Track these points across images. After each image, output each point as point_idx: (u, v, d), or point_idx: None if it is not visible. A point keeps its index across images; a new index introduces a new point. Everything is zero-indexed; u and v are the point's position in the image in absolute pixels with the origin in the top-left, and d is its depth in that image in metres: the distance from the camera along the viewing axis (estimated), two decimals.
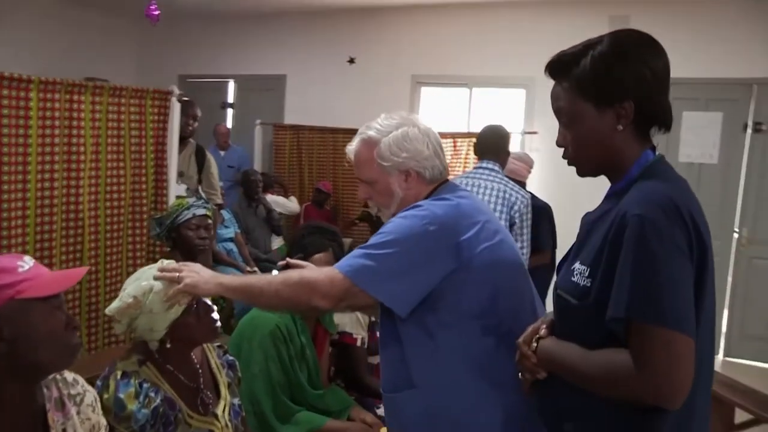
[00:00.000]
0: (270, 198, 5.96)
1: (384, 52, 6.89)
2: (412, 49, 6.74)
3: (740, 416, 3.52)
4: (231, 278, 1.68)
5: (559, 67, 1.36)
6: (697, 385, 1.18)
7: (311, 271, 1.62)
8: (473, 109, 6.59)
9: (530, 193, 4.20)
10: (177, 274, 1.67)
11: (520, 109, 6.35)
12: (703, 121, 5.57)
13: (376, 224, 4.29)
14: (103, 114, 3.32)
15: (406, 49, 6.78)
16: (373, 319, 2.68)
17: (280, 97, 7.46)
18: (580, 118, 1.32)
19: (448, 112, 6.66)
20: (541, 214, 4.10)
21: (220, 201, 4.39)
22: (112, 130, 3.38)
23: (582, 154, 1.36)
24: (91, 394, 1.54)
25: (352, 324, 2.63)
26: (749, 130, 5.44)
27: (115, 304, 1.66)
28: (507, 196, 3.24)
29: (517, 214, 3.27)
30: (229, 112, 7.80)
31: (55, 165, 3.09)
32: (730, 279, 5.52)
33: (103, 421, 1.54)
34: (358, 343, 2.62)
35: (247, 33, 7.55)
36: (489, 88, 6.53)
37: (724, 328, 5.48)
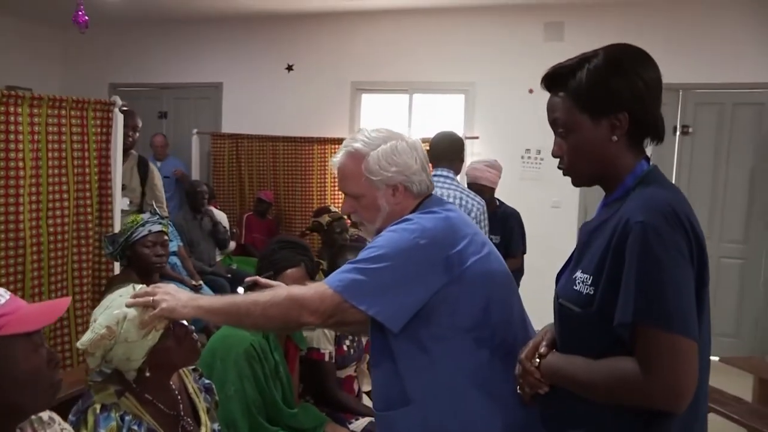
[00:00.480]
0: (215, 212, 5.81)
1: (323, 59, 6.84)
2: (352, 55, 6.73)
3: None
4: (210, 299, 1.61)
5: (555, 79, 1.39)
6: (700, 387, 1.21)
7: (299, 288, 1.57)
8: (414, 115, 6.63)
9: (498, 200, 4.28)
10: (150, 298, 1.59)
11: (459, 114, 6.43)
12: None
13: (327, 234, 4.24)
14: (42, 126, 3.15)
15: (345, 55, 6.76)
16: (338, 333, 2.65)
17: (216, 105, 7.29)
18: (576, 128, 1.36)
19: (388, 119, 6.67)
20: (512, 220, 4.16)
21: (166, 214, 4.24)
22: (53, 144, 3.21)
23: (577, 164, 1.39)
24: (61, 425, 1.44)
25: (319, 339, 2.58)
26: (678, 133, 5.70)
27: (87, 337, 1.55)
28: (464, 203, 3.27)
29: (474, 221, 3.29)
30: (164, 121, 7.55)
31: None
32: None
33: None
34: (326, 358, 2.57)
35: (181, 40, 7.34)
36: (429, 93, 6.59)
37: None
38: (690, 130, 5.68)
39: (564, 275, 1.40)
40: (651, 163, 1.38)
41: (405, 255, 1.51)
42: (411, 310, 1.52)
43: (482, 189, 3.95)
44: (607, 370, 1.24)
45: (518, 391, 1.45)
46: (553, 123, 1.40)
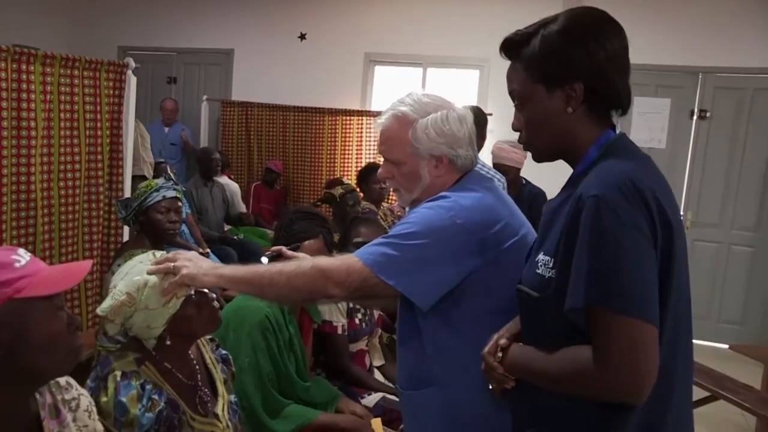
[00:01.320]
0: (225, 182, 5.76)
1: (337, 28, 6.72)
2: (366, 26, 6.61)
3: (697, 394, 3.65)
4: (233, 268, 1.56)
5: (511, 47, 1.31)
6: (671, 375, 1.14)
7: (325, 260, 1.53)
8: (427, 90, 6.51)
9: (524, 179, 4.24)
10: (171, 264, 1.54)
11: (473, 90, 6.34)
12: (652, 107, 5.72)
13: (339, 206, 4.19)
14: (54, 86, 3.09)
15: (359, 26, 6.64)
16: (351, 305, 2.61)
17: (227, 72, 7.18)
18: (531, 100, 1.28)
19: (401, 93, 6.56)
20: (539, 199, 4.12)
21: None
22: (65, 104, 3.16)
23: (535, 137, 1.32)
24: (86, 398, 1.41)
25: (332, 311, 2.54)
26: (695, 117, 5.62)
27: (107, 303, 1.51)
28: None
29: None
30: (173, 87, 7.46)
31: (3, 141, 2.85)
32: None
33: (100, 427, 1.41)
34: (339, 331, 2.54)
35: (193, 4, 7.20)
36: (443, 68, 6.49)
37: None
38: (708, 114, 5.59)
39: (528, 260, 1.32)
40: (619, 131, 1.30)
41: (440, 233, 1.46)
42: (442, 290, 1.47)
43: (507, 169, 3.91)
44: (562, 360, 1.16)
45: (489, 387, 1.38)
46: (511, 94, 1.33)
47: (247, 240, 5.52)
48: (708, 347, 5.30)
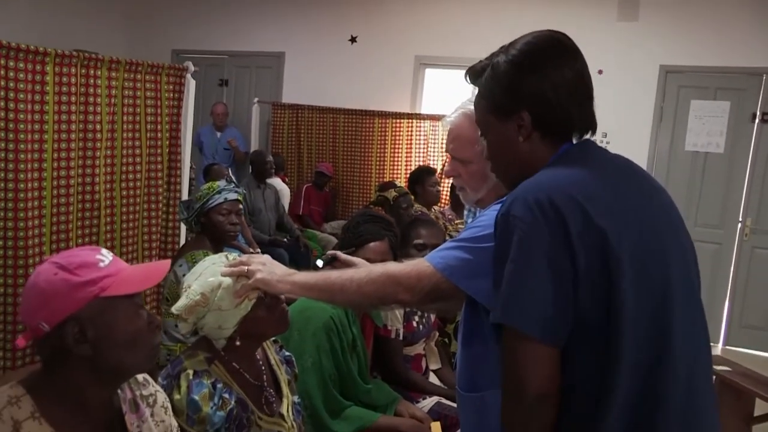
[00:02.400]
0: (279, 186, 5.83)
1: (387, 31, 6.74)
2: (417, 29, 6.60)
3: (760, 408, 3.53)
4: (305, 275, 1.57)
5: (472, 76, 1.34)
6: (658, 400, 1.09)
7: (395, 265, 1.52)
8: None
9: None
10: (246, 268, 1.57)
11: None
12: (710, 110, 5.56)
13: (392, 209, 4.19)
14: (118, 90, 3.18)
15: (410, 28, 6.63)
16: (408, 309, 2.61)
17: (278, 75, 7.27)
18: (487, 129, 1.31)
19: (451, 96, 6.54)
20: None
21: None
22: (128, 107, 3.24)
23: (497, 165, 1.35)
24: (162, 394, 1.44)
25: (387, 315, 2.54)
26: (757, 120, 5.43)
27: (182, 302, 1.54)
28: None
29: None
30: (224, 89, 7.59)
31: (71, 144, 2.95)
32: (732, 268, 5.55)
33: (175, 423, 1.44)
34: (393, 335, 2.54)
35: (244, 7, 7.31)
36: None
37: (725, 317, 5.54)
38: None
39: None
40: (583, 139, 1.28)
41: None
42: None
43: None
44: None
45: None
46: (477, 122, 1.36)
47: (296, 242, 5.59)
48: (760, 357, 5.13)
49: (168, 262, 1.36)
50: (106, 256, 1.25)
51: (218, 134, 6.77)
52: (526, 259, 1.10)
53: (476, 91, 1.65)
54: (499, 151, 1.31)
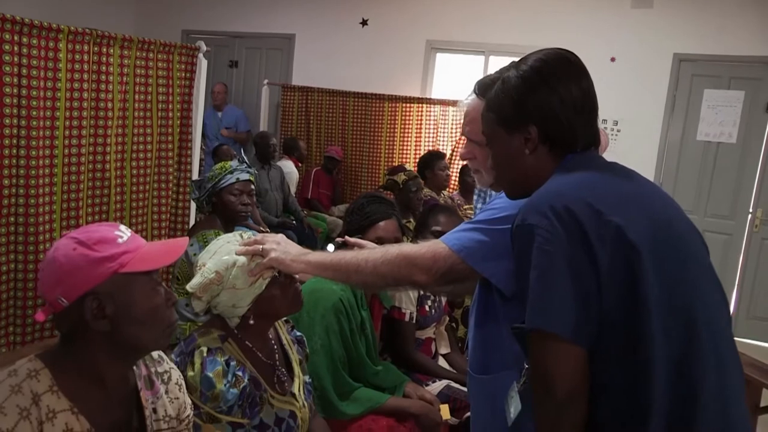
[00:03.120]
0: (288, 169, 5.82)
1: (398, 15, 6.68)
2: (428, 13, 6.55)
3: (766, 399, 3.52)
4: (319, 255, 1.57)
5: (481, 88, 1.40)
6: (696, 388, 1.11)
7: (410, 246, 1.52)
8: None
9: None
10: (260, 247, 1.56)
11: None
12: (724, 100, 5.51)
13: (402, 193, 4.18)
14: (131, 68, 3.16)
15: (421, 12, 6.58)
16: (421, 293, 2.61)
17: (288, 57, 7.24)
18: (494, 141, 1.36)
19: (462, 81, 6.51)
20: None
21: None
22: (140, 86, 3.23)
23: (502, 176, 1.39)
24: (176, 372, 1.45)
25: (401, 298, 2.54)
26: None
27: (196, 280, 1.55)
28: None
29: None
30: (234, 71, 7.57)
31: (83, 121, 2.94)
32: (741, 259, 5.53)
33: (188, 401, 1.45)
34: (407, 318, 2.54)
35: None
36: (505, 56, 6.37)
37: (732, 308, 5.51)
38: None
39: None
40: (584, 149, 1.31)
41: None
42: None
43: None
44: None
45: None
46: (483, 133, 1.41)
47: (312, 222, 5.61)
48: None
49: (186, 239, 1.35)
50: (124, 233, 1.25)
51: (219, 114, 6.76)
52: (549, 264, 1.12)
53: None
54: (504, 161, 1.36)
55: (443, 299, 2.72)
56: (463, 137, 1.71)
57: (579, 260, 1.11)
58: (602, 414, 1.14)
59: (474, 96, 1.61)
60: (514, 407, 1.37)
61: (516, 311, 1.50)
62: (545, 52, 1.33)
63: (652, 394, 1.10)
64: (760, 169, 5.44)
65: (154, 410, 1.33)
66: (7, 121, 2.59)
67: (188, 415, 1.42)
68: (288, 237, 4.77)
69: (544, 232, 1.13)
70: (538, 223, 1.14)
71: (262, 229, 4.68)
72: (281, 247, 1.56)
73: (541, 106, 1.27)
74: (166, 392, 1.38)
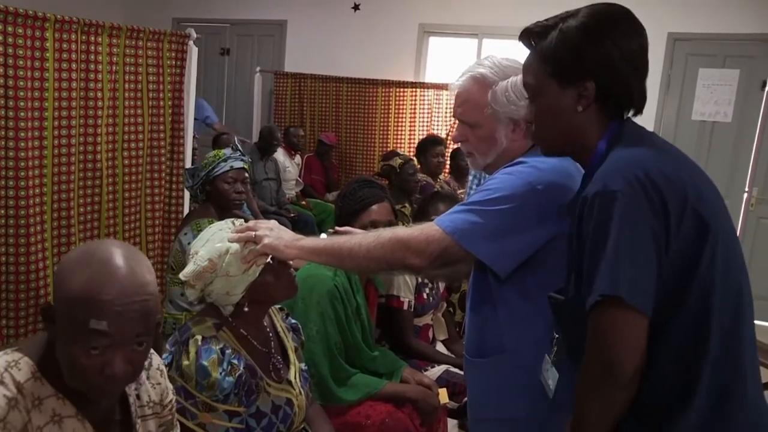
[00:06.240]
0: (287, 161, 5.79)
1: None
2: None
3: (764, 377, 3.52)
4: (313, 240, 1.56)
5: (529, 37, 1.30)
6: (740, 366, 1.12)
7: (404, 229, 1.51)
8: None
9: None
10: (253, 233, 1.55)
11: None
12: (719, 78, 5.49)
13: (399, 176, 4.16)
14: (120, 57, 3.12)
15: None
16: (419, 280, 2.59)
17: (280, 44, 7.18)
18: (543, 94, 1.28)
19: (455, 64, 6.46)
20: None
21: None
22: (129, 75, 3.19)
23: (544, 132, 1.32)
24: (156, 358, 1.42)
25: (399, 286, 2.53)
26: (767, 89, 5.35)
27: (189, 268, 1.53)
28: None
29: None
30: (226, 58, 7.50)
31: (72, 111, 2.90)
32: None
33: (170, 386, 1.43)
34: (405, 306, 2.52)
35: None
36: (499, 39, 6.33)
37: None
38: None
39: None
40: (626, 117, 1.28)
41: (521, 199, 1.42)
42: (522, 256, 1.44)
43: None
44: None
45: None
46: (525, 86, 1.33)
47: (301, 211, 5.58)
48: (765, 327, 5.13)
49: None
50: None
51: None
52: (633, 232, 1.09)
53: (492, 56, 1.62)
54: (551, 117, 1.29)
55: (441, 286, 2.70)
56: (455, 120, 1.69)
57: (659, 231, 1.09)
58: (647, 393, 1.13)
59: (467, 76, 1.58)
60: (552, 379, 1.36)
61: (510, 292, 1.49)
62: (603, 4, 1.27)
63: (704, 368, 1.10)
64: (755, 148, 5.42)
65: (138, 396, 1.32)
66: None
67: (171, 400, 1.40)
68: (283, 224, 4.77)
69: (629, 200, 1.09)
70: (623, 190, 1.09)
71: (255, 219, 4.67)
72: (274, 233, 1.54)
73: (602, 58, 1.21)
74: (148, 378, 1.36)
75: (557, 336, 1.36)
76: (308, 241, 1.55)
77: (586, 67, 1.21)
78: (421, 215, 2.73)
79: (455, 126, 1.66)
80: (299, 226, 5.36)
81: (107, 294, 1.09)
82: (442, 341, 2.78)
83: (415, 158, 4.59)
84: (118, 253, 1.13)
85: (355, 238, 1.52)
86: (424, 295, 2.59)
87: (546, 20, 1.28)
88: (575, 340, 1.21)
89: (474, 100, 1.56)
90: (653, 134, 1.28)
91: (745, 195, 5.48)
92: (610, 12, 1.24)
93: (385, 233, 1.49)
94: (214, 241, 1.54)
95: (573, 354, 1.23)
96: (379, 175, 4.42)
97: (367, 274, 2.14)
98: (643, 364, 1.10)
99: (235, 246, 1.53)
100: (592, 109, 1.24)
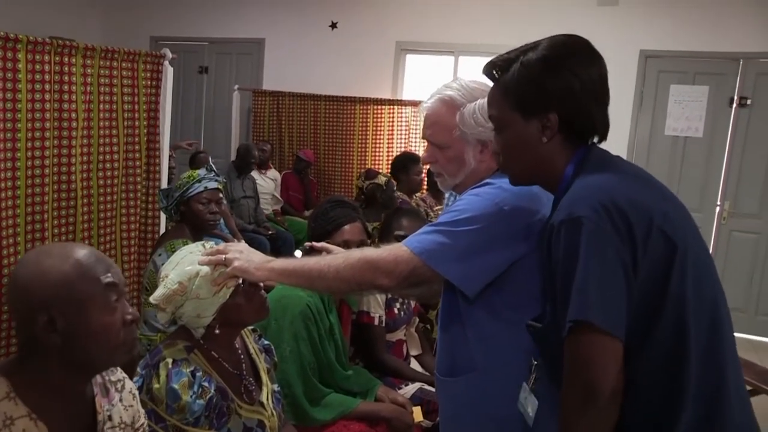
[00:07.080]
0: (266, 177, 5.80)
1: (368, 17, 6.70)
2: (397, 14, 6.57)
3: None
4: (283, 262, 1.57)
5: (492, 70, 1.33)
6: (724, 379, 1.15)
7: (372, 250, 1.53)
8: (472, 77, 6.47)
9: None
10: (223, 256, 1.56)
11: None
12: (689, 95, 5.60)
13: (385, 193, 4.18)
14: (94, 78, 3.12)
15: (390, 14, 6.60)
16: (389, 296, 2.61)
17: (258, 62, 7.21)
18: (507, 126, 1.31)
19: (432, 81, 6.52)
20: None
21: None
22: (104, 95, 3.19)
23: (511, 164, 1.35)
24: (129, 381, 1.43)
25: (369, 302, 2.54)
26: (735, 105, 5.48)
27: (159, 292, 1.54)
28: None
29: None
30: (204, 77, 7.51)
31: (46, 132, 2.89)
32: (710, 250, 5.60)
33: (142, 410, 1.44)
34: (376, 322, 2.54)
35: None
36: (475, 56, 6.41)
37: None
38: (748, 101, 5.44)
39: None
40: (591, 142, 1.31)
41: (489, 220, 1.45)
42: (489, 276, 1.46)
43: None
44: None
45: None
46: (490, 118, 1.37)
47: (279, 229, 5.58)
48: (746, 340, 5.20)
49: None
50: None
51: None
52: (601, 258, 1.11)
53: (460, 78, 1.65)
54: (516, 149, 1.31)
55: (412, 301, 2.72)
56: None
57: (626, 255, 1.12)
58: (631, 415, 1.15)
59: (436, 98, 1.61)
60: (531, 406, 1.36)
61: (478, 312, 1.52)
62: (562, 36, 1.30)
63: (686, 385, 1.12)
64: (726, 162, 5.54)
65: (110, 417, 1.32)
66: None
67: (142, 424, 1.41)
68: (260, 244, 4.74)
69: (594, 226, 1.12)
70: (588, 216, 1.12)
71: (233, 239, 4.65)
72: (244, 255, 1.55)
73: (563, 89, 1.23)
74: (120, 400, 1.37)
75: (536, 363, 1.37)
76: (278, 263, 1.56)
77: (548, 99, 1.24)
78: (385, 231, 2.75)
79: (426, 147, 1.69)
80: (278, 244, 5.36)
81: (89, 258, 1.21)
82: (415, 357, 2.80)
83: (391, 176, 4.62)
84: (70, 244, 1.26)
85: (324, 259, 1.54)
86: (395, 310, 2.61)
87: (508, 53, 1.31)
88: (559, 366, 1.22)
89: (443, 122, 1.59)
90: (618, 158, 1.31)
91: (717, 208, 5.58)
92: (569, 43, 1.28)
93: (354, 254, 1.51)
94: (185, 264, 1.55)
95: (558, 380, 1.24)
96: (364, 194, 4.41)
97: (338, 295, 2.16)
98: (620, 385, 1.12)
99: (206, 269, 1.54)
100: (557, 139, 1.27)
